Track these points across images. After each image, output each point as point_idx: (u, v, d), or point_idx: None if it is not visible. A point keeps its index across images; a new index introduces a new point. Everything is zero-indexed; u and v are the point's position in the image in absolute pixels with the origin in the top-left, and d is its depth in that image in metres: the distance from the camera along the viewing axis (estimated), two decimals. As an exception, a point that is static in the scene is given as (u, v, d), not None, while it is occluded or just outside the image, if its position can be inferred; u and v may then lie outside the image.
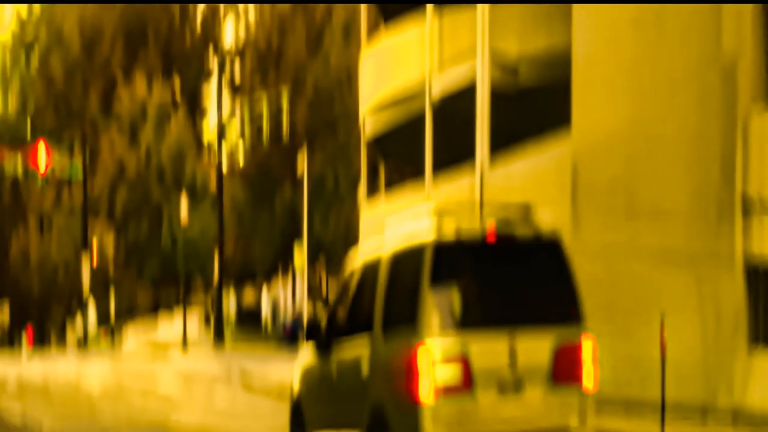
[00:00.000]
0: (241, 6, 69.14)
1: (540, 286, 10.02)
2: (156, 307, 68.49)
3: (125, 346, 59.54)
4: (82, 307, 59.65)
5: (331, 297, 49.56)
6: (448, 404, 9.35)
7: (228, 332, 54.47)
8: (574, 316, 10.14)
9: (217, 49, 69.88)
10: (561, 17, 23.08)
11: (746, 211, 18.54)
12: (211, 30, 70.61)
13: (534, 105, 24.97)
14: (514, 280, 9.93)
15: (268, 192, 61.54)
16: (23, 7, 76.84)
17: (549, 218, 22.53)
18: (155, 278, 65.33)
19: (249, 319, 58.20)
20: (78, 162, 58.35)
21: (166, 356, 48.24)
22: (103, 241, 62.01)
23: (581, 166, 21.86)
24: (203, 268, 62.57)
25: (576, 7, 22.09)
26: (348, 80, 55.14)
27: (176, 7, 69.43)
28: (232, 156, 63.27)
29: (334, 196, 58.80)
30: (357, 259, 11.31)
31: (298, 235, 54.16)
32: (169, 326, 60.58)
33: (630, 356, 20.08)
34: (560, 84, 22.56)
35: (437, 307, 9.43)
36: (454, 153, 26.84)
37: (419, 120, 28.27)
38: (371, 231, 31.03)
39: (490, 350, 9.50)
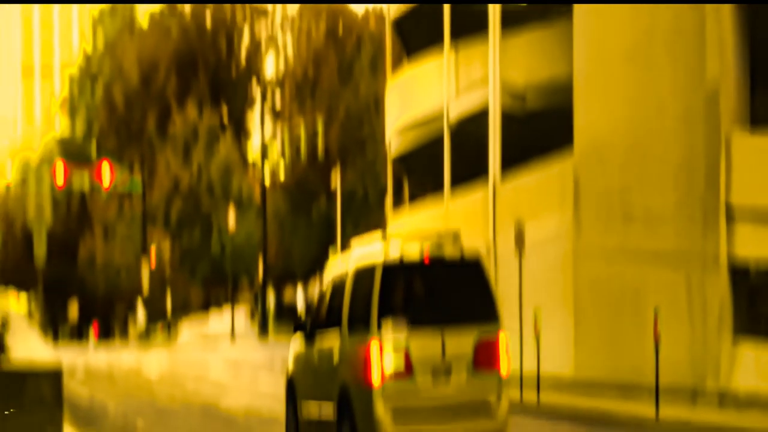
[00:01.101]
0: (280, 41, 69.43)
1: (464, 295, 11.29)
2: (207, 304, 68.59)
3: (180, 338, 59.67)
4: (142, 304, 60.04)
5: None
6: (394, 386, 10.75)
7: (270, 325, 54.63)
8: (491, 317, 11.19)
9: (260, 79, 69.94)
10: (563, 50, 23.23)
11: (729, 218, 18.57)
12: (254, 62, 70.68)
13: (540, 126, 25.06)
14: (444, 290, 11.32)
15: (305, 203, 61.64)
16: (89, 44, 77.45)
17: (552, 226, 22.94)
18: (206, 279, 65.41)
19: (289, 314, 58.33)
20: (137, 178, 58.63)
21: (216, 347, 48.29)
22: (160, 246, 62.18)
23: (582, 178, 21.97)
24: (248, 269, 62.75)
25: (576, 41, 22.24)
26: (375, 106, 55.26)
27: (223, 42, 69.66)
28: (273, 172, 63.29)
29: (364, 207, 58.71)
30: (331, 272, 12.76)
31: (332, 241, 54.19)
32: (218, 321, 60.66)
33: (627, 346, 20.17)
34: (563, 108, 22.72)
35: (385, 311, 10.84)
36: (470, 169, 26.93)
37: (438, 141, 28.39)
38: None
39: (425, 344, 10.88)
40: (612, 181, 21.06)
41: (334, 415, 11.42)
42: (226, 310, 60.36)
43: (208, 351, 45.00)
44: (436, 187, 29.18)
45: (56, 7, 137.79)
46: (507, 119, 25.59)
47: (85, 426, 17.38)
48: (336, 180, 53.12)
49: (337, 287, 12.02)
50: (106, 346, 55.93)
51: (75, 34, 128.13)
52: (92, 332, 66.95)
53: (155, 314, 61.91)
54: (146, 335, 59.36)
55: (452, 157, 27.89)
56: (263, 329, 51.66)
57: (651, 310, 17.74)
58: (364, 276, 11.29)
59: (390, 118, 32.05)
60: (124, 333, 67.32)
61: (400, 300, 11.13)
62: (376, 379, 10.68)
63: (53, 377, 4.34)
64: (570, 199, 22.21)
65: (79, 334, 69.71)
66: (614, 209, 20.98)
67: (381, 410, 10.66)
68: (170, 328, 61.41)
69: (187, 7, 70.38)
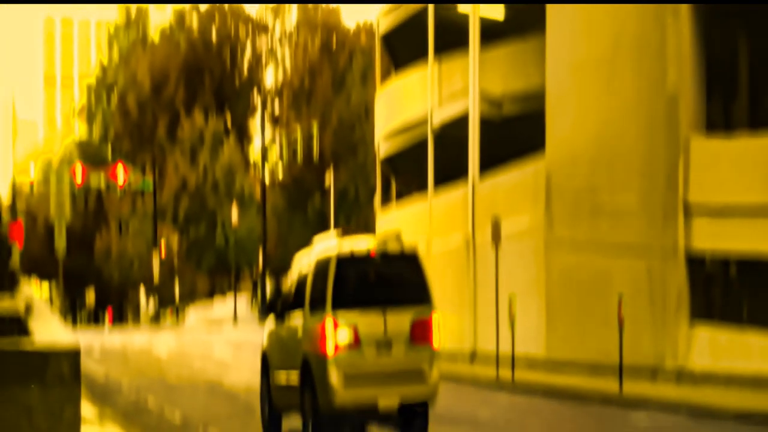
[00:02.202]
0: (279, 54, 69.12)
1: (403, 282, 12.06)
2: (211, 292, 68.30)
3: (187, 322, 59.36)
4: (153, 291, 59.72)
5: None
6: (345, 356, 11.46)
7: (269, 311, 54.14)
8: (425, 300, 11.89)
9: (260, 88, 69.68)
10: (536, 62, 23.06)
11: (687, 214, 18.50)
12: (255, 73, 70.41)
13: (515, 131, 24.89)
14: (387, 278, 12.09)
15: (301, 201, 61.41)
16: (105, 57, 76.99)
17: (526, 221, 22.80)
18: (211, 268, 65.10)
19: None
20: (149, 178, 58.22)
21: (220, 330, 48.03)
22: (169, 239, 61.77)
23: (553, 178, 21.83)
24: (249, 260, 62.47)
25: (548, 54, 22.07)
26: (365, 113, 55.00)
27: (227, 55, 69.36)
28: (272, 172, 62.99)
29: (355, 204, 58.53)
30: (298, 264, 13.36)
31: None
32: (222, 306, 60.34)
33: (593, 329, 20.06)
34: (536, 114, 22.56)
35: (338, 295, 11.57)
36: (451, 170, 26.71)
37: (423, 144, 28.18)
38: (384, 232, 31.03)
39: (370, 322, 11.56)
40: (581, 180, 20.92)
41: (298, 380, 12.11)
42: (229, 297, 60.07)
43: (212, 333, 44.71)
44: (421, 186, 29.00)
45: (76, 22, 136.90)
46: (485, 125, 25.44)
47: (101, 401, 17.18)
48: (329, 179, 52.87)
49: (302, 276, 12.66)
50: (120, 329, 55.54)
51: (93, 47, 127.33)
52: (107, 316, 66.63)
53: (165, 300, 61.67)
54: (156, 319, 58.99)
55: (435, 158, 27.71)
56: (262, 314, 51.37)
57: (615, 297, 17.62)
58: (322, 267, 11.96)
59: (379, 124, 31.84)
60: (136, 317, 66.93)
61: (350, 286, 11.76)
62: (330, 350, 11.42)
63: (72, 357, 4.17)
64: (542, 196, 22.06)
65: (95, 318, 69.41)
66: (582, 206, 20.85)
67: (334, 376, 11.38)
68: (178, 312, 61.13)
69: (194, 23, 70.00)
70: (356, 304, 11.59)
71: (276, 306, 13.48)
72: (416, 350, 11.67)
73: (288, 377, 12.51)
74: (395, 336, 11.58)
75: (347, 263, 11.73)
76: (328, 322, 11.39)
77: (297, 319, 12.40)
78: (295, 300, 12.65)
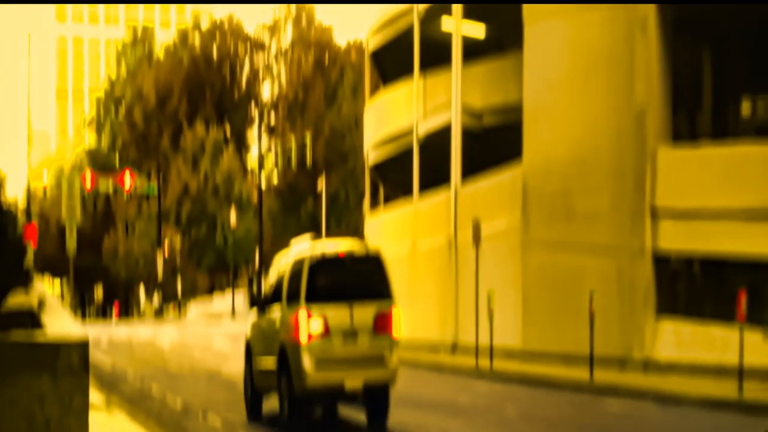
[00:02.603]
0: (275, 70, 68.84)
1: (367, 280, 12.42)
2: (211, 288, 67.90)
3: (188, 315, 59.07)
4: (157, 287, 59.29)
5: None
6: (316, 344, 11.90)
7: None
8: (387, 295, 12.28)
9: (257, 101, 69.49)
10: (514, 77, 22.92)
11: (654, 217, 18.43)
12: (253, 88, 70.17)
13: (494, 141, 24.77)
14: (353, 276, 12.47)
15: (295, 205, 61.19)
16: (113, 72, 76.61)
17: (504, 223, 22.63)
18: (210, 267, 64.72)
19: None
20: (153, 183, 58.04)
21: (219, 323, 47.77)
22: (172, 239, 61.45)
23: (530, 184, 21.67)
24: (247, 259, 62.11)
25: (526, 70, 21.90)
26: (355, 124, 54.82)
27: (227, 70, 69.09)
28: (268, 178, 62.85)
29: (345, 208, 58.36)
30: (277, 263, 13.81)
31: (318, 236, 53.60)
32: (221, 301, 60.04)
33: (567, 323, 19.92)
34: (514, 126, 22.40)
35: (310, 291, 12.00)
36: (435, 177, 26.53)
37: (408, 153, 28.02)
38: (373, 233, 30.88)
39: (339, 314, 11.98)
40: (555, 186, 20.79)
41: (275, 365, 12.56)
42: (228, 293, 59.72)
43: (212, 326, 44.46)
44: (407, 191, 28.81)
45: (86, 41, 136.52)
46: (466, 135, 25.31)
47: (108, 389, 16.92)
48: (321, 185, 52.67)
49: (281, 274, 13.11)
50: (126, 322, 55.15)
51: (102, 63, 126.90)
52: (114, 311, 66.20)
53: (168, 296, 61.27)
54: (160, 313, 58.59)
55: (420, 166, 27.55)
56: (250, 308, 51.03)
57: (587, 293, 17.51)
58: (298, 266, 12.43)
59: (368, 134, 31.68)
60: (142, 311, 66.52)
61: (321, 283, 12.19)
62: (303, 339, 11.88)
63: (81, 348, 4.05)
64: (519, 201, 21.91)
65: (103, 312, 68.96)
66: (557, 209, 20.72)
67: (306, 361, 11.84)
68: (180, 307, 60.74)
69: (197, 41, 69.72)
70: (326, 298, 12.03)
71: (258, 300, 13.86)
72: (378, 339, 12.10)
73: (267, 363, 12.97)
74: (360, 327, 12.02)
75: (319, 263, 12.18)
76: (302, 314, 11.87)
77: (276, 312, 12.88)
78: (274, 295, 13.09)
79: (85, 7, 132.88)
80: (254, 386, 13.67)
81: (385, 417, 12.52)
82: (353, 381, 11.99)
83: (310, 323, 11.84)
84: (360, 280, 12.41)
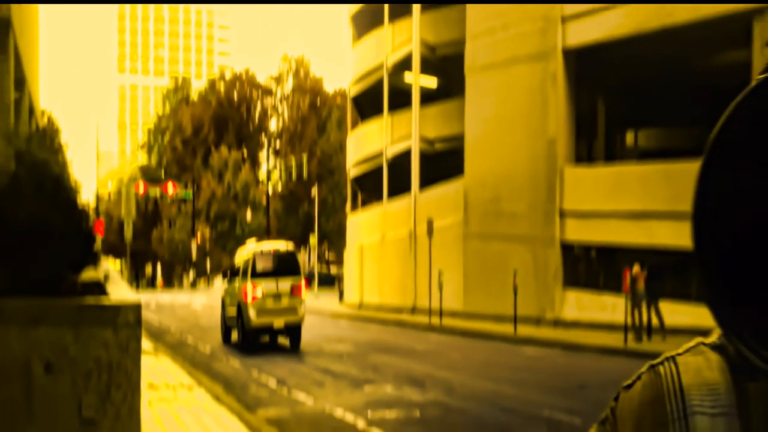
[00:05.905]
0: (280, 109, 68.13)
1: (287, 265, 14.60)
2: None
3: (215, 286, 57.94)
4: (191, 265, 58.14)
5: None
6: (256, 302, 14.25)
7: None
8: (298, 274, 14.65)
9: (267, 132, 68.73)
10: (458, 115, 22.56)
11: (562, 216, 18.11)
12: (263, 122, 69.41)
13: (443, 162, 24.36)
14: (279, 263, 14.55)
15: (294, 207, 60.48)
16: (159, 109, 75.55)
17: (450, 220, 22.18)
18: (232, 250, 63.82)
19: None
20: (189, 191, 57.10)
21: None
22: (203, 231, 60.46)
23: (469, 192, 21.26)
24: (258, 246, 61.31)
25: (467, 110, 21.49)
26: (340, 148, 54.17)
27: (244, 109, 68.23)
28: (274, 187, 62.23)
29: (333, 209, 57.70)
30: (239, 254, 15.84)
31: (311, 229, 53.09)
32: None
33: (496, 292, 19.50)
34: (458, 151, 22.00)
35: (254, 271, 14.34)
36: (399, 187, 26.07)
37: (380, 169, 27.49)
38: (353, 228, 30.40)
39: (270, 285, 14.33)
40: (488, 194, 20.43)
41: (236, 313, 14.85)
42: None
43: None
44: (379, 197, 28.31)
45: (140, 87, 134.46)
46: (423, 157, 24.89)
47: (155, 339, 16.26)
48: (314, 192, 52.10)
49: (240, 261, 15.24)
50: (168, 291, 53.93)
51: (151, 104, 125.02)
52: (159, 283, 65.02)
53: (200, 272, 60.32)
54: (194, 285, 57.57)
55: (388, 179, 27.04)
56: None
57: (512, 271, 17.23)
58: (248, 256, 14.70)
59: (350, 156, 31.11)
60: (180, 283, 65.34)
61: (260, 267, 14.37)
62: (249, 299, 14.23)
63: (135, 309, 3.80)
64: (461, 204, 21.51)
65: (152, 284, 67.51)
66: (489, 211, 20.35)
67: (251, 311, 14.20)
68: (209, 280, 59.75)
69: (222, 88, 68.75)
70: (263, 276, 14.31)
71: (229, 275, 15.84)
72: (293, 299, 14.36)
73: (232, 311, 15.21)
74: (282, 292, 14.33)
75: (259, 255, 14.48)
76: (249, 284, 14.23)
77: (237, 282, 15.05)
78: (235, 272, 15.35)
79: (139, 62, 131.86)
80: (225, 324, 15.94)
81: (299, 343, 14.53)
82: (278, 322, 14.27)
83: (254, 290, 14.19)
84: (282, 265, 14.44)
